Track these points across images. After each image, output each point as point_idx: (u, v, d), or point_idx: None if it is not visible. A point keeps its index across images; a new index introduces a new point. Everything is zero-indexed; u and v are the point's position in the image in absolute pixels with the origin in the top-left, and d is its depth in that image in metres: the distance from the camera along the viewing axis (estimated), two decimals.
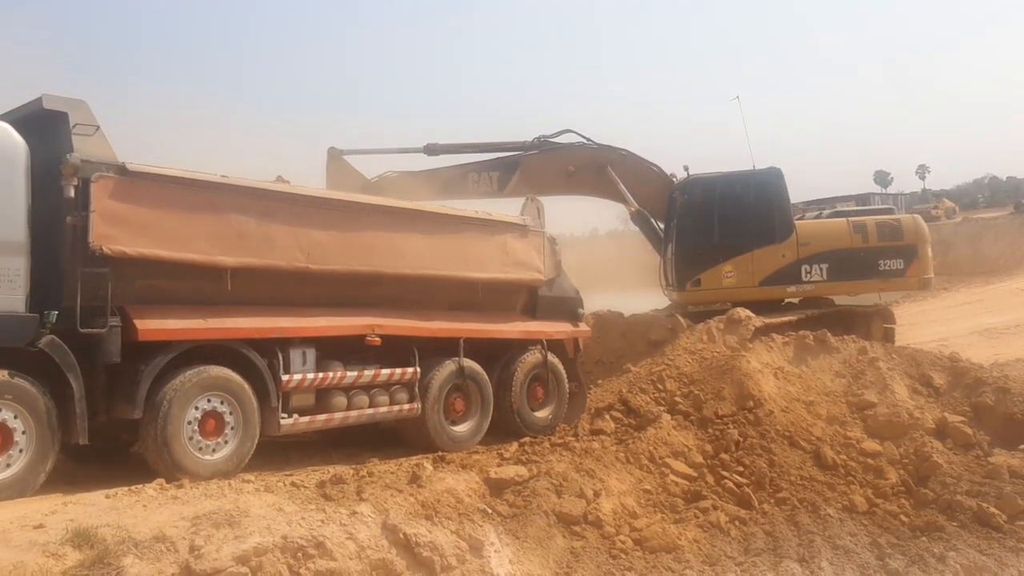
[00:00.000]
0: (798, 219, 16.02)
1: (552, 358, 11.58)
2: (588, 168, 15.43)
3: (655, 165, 15.80)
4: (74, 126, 7.73)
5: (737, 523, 8.53)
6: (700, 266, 14.98)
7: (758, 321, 13.42)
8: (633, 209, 15.43)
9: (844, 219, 15.84)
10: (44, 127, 7.76)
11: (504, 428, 10.89)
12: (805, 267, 14.88)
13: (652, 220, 15.56)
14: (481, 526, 7.22)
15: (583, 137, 15.66)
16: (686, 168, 15.55)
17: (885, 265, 15.13)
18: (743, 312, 13.55)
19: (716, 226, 15.03)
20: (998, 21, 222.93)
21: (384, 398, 9.70)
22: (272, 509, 6.55)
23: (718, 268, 14.87)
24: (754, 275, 14.85)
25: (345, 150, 15.66)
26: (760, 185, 15.20)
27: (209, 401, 8.18)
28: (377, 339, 9.53)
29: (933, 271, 15.84)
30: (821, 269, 14.90)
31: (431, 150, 15.72)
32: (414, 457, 9.12)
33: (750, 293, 14.72)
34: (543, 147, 15.60)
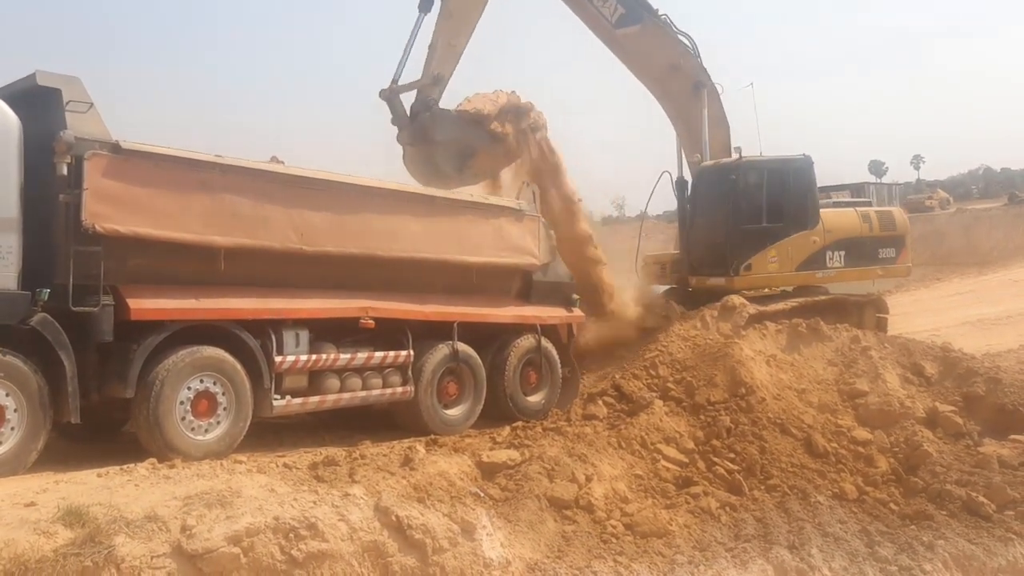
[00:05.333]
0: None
1: (546, 343, 11.57)
2: (688, 76, 15.26)
3: (726, 121, 15.76)
4: (67, 103, 7.68)
5: (728, 509, 8.56)
6: (751, 250, 14.75)
7: (752, 309, 13.43)
8: (697, 157, 15.19)
9: (853, 209, 16.25)
10: (37, 104, 7.71)
11: (497, 412, 10.89)
12: (829, 253, 15.09)
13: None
14: (473, 509, 7.23)
15: (697, 53, 15.41)
16: (739, 150, 15.34)
17: (883, 253, 15.72)
18: (737, 299, 13.54)
19: (764, 210, 14.86)
20: (997, 13, 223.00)
21: (377, 381, 9.70)
22: (264, 490, 6.56)
23: (765, 252, 14.76)
24: (792, 260, 14.88)
25: None
26: (797, 171, 15.17)
27: (202, 381, 8.18)
28: (371, 322, 9.52)
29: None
30: (840, 256, 15.18)
31: None
32: (407, 440, 9.14)
33: (789, 279, 14.88)
34: (667, 27, 15.17)
